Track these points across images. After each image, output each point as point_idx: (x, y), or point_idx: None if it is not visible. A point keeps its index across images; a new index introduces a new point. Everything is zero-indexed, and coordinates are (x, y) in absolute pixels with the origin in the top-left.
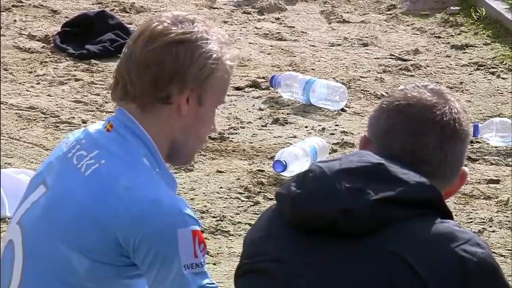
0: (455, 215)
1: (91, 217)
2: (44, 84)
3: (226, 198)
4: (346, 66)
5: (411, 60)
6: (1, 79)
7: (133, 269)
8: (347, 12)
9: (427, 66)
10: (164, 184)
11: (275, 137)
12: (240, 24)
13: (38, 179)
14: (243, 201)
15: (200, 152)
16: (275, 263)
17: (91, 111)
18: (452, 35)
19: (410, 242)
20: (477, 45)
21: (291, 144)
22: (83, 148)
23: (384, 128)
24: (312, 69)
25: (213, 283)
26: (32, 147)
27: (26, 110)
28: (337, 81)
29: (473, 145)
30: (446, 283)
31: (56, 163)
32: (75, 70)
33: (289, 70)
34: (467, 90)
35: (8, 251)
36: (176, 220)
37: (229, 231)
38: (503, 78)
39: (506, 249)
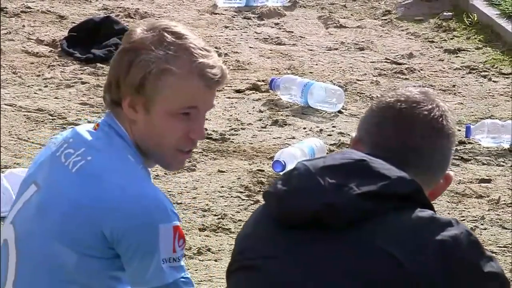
0: (448, 213)
1: (79, 211)
2: (51, 87)
3: (227, 197)
4: (343, 70)
5: (406, 63)
6: (11, 82)
7: (121, 261)
8: (344, 18)
9: (421, 69)
10: (149, 180)
11: (274, 138)
12: (241, 29)
13: (29, 179)
14: (244, 199)
15: (202, 153)
16: (263, 259)
17: (97, 113)
18: (445, 40)
19: (393, 234)
20: (469, 49)
21: (290, 145)
22: (71, 146)
23: (377, 124)
24: (310, 72)
25: (187, 277)
26: (40, 147)
27: (34, 112)
28: (334, 84)
29: (465, 146)
30: (430, 269)
31: (45, 162)
32: (81, 73)
33: (288, 74)
34: (460, 92)
35: (3, 251)
36: (159, 215)
37: (230, 228)
38: (494, 81)
39: (497, 246)
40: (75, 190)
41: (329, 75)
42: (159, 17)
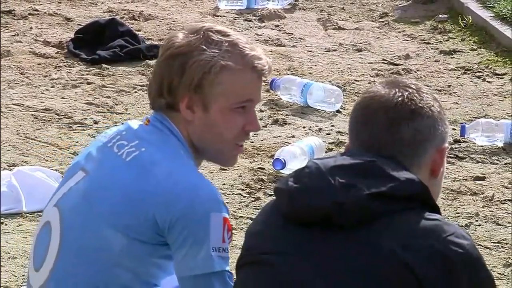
0: (444, 210)
1: (131, 197)
2: (58, 87)
3: (229, 194)
4: (341, 70)
5: (402, 64)
6: (18, 82)
7: (166, 249)
8: (342, 20)
9: (417, 70)
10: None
11: (274, 137)
12: (242, 31)
13: (76, 167)
14: (245, 197)
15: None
16: (272, 255)
17: (102, 112)
18: (440, 41)
19: (400, 234)
20: (464, 51)
21: (290, 143)
22: (124, 138)
23: (352, 127)
24: (310, 73)
25: (232, 273)
26: (47, 146)
27: (41, 112)
28: (333, 84)
29: (460, 145)
30: (434, 273)
31: (95, 153)
32: (87, 74)
33: (288, 74)
34: (455, 92)
35: (45, 232)
36: (211, 204)
37: (232, 225)
38: (488, 82)
39: (491, 242)
40: (127, 177)
41: (328, 75)
42: (162, 20)
